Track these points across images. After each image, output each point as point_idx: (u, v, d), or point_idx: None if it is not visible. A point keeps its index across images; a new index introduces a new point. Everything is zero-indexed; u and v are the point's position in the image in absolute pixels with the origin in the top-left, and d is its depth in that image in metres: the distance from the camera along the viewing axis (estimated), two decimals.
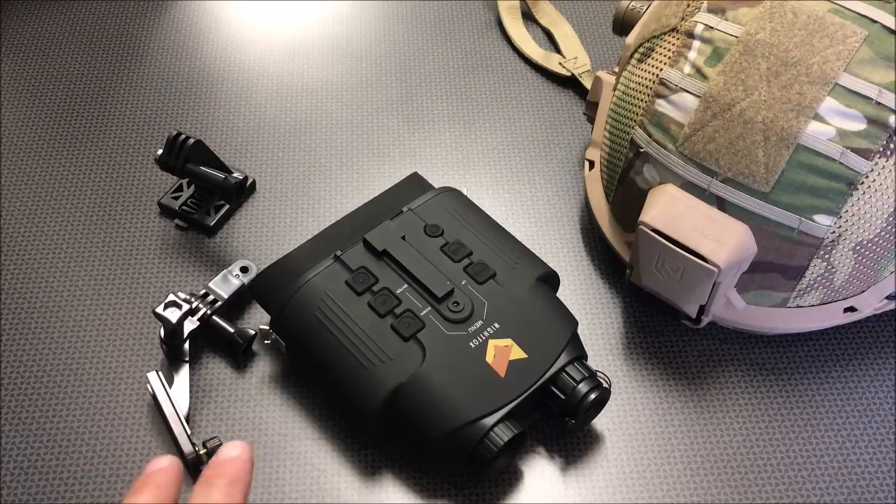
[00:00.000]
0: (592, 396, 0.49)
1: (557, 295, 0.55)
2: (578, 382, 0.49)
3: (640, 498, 0.52)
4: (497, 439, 0.47)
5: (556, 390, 0.49)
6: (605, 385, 0.50)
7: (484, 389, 0.48)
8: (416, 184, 0.59)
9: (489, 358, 0.49)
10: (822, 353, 0.58)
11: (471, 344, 0.50)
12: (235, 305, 0.58)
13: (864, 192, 0.48)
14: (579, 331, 0.58)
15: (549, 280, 0.54)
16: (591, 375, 0.50)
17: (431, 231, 0.54)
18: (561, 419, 0.50)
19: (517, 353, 0.49)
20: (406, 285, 0.52)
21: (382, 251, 0.53)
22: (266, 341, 0.54)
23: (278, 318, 0.52)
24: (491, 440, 0.47)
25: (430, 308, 0.51)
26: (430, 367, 0.49)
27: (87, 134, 0.68)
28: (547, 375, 0.49)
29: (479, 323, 0.51)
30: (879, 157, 0.47)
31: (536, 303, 0.52)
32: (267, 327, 0.53)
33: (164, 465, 0.37)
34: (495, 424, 0.47)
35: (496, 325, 0.50)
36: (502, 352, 0.49)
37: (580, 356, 0.50)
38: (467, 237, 0.54)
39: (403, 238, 0.54)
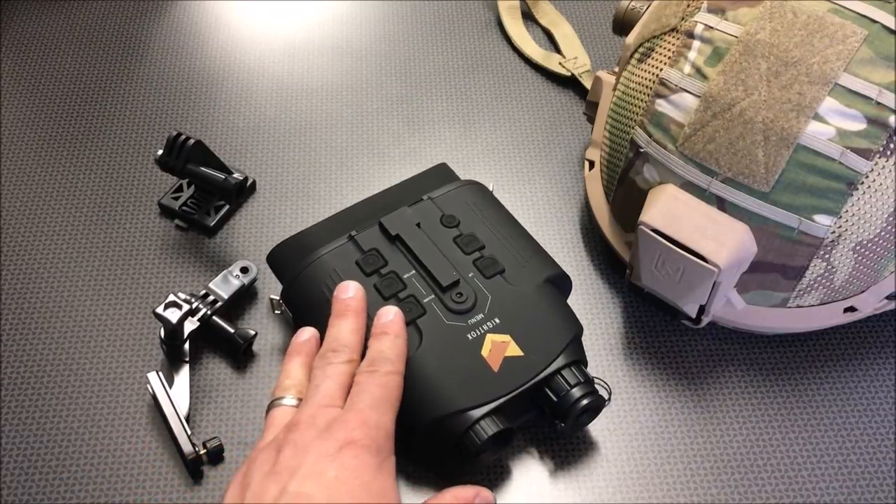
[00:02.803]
0: (585, 402, 0.49)
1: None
2: (572, 386, 0.49)
3: (639, 498, 0.52)
4: (482, 432, 0.47)
5: (549, 392, 0.49)
6: (602, 392, 0.50)
7: (475, 382, 0.48)
8: (442, 174, 0.60)
9: (485, 352, 0.49)
10: (822, 353, 0.58)
11: (468, 336, 0.50)
12: (235, 305, 0.58)
13: (864, 192, 0.48)
14: None
15: (560, 282, 0.54)
16: (587, 381, 0.49)
17: (447, 221, 0.55)
18: (552, 422, 0.50)
19: (514, 350, 0.50)
20: (414, 271, 0.53)
21: (395, 236, 0.54)
22: (277, 312, 0.55)
23: (289, 289, 0.54)
24: (476, 433, 0.47)
25: (433, 296, 0.51)
26: (425, 353, 0.49)
27: (87, 134, 0.68)
28: (541, 376, 0.49)
29: (480, 316, 0.51)
30: (879, 157, 0.47)
31: (541, 303, 0.52)
32: (278, 298, 0.54)
33: (353, 293, 0.50)
34: (482, 417, 0.47)
35: (496, 321, 0.51)
36: (499, 347, 0.49)
37: (579, 361, 0.50)
38: (482, 231, 0.55)
39: (418, 225, 0.55)
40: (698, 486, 0.52)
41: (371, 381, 0.46)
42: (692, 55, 0.50)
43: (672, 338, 0.58)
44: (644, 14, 0.59)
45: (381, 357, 0.47)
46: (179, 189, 0.64)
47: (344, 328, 0.49)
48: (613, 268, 0.61)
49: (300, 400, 0.47)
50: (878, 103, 0.46)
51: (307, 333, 0.51)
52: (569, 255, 0.62)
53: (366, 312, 0.50)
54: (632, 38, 0.58)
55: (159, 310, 0.52)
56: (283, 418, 0.46)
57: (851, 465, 0.53)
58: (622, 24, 0.63)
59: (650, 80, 0.53)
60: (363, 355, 0.48)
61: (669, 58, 0.52)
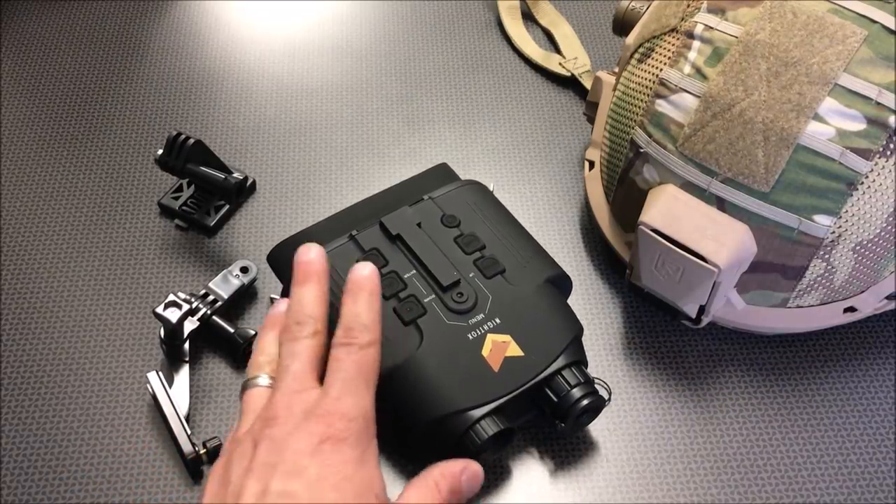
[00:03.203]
0: (585, 402, 0.49)
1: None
2: (573, 387, 0.49)
3: (639, 498, 0.52)
4: (482, 432, 0.47)
5: (549, 392, 0.49)
6: (603, 393, 0.50)
7: (475, 382, 0.48)
8: (442, 174, 0.60)
9: (485, 352, 0.49)
10: (822, 353, 0.58)
11: (469, 336, 0.50)
12: (235, 305, 0.58)
13: (863, 193, 0.48)
14: None
15: (561, 283, 0.54)
16: (588, 381, 0.50)
17: (448, 221, 0.55)
18: (552, 422, 0.50)
19: (514, 350, 0.50)
20: (414, 271, 0.53)
21: (396, 235, 0.54)
22: None
23: (289, 288, 0.53)
24: (476, 433, 0.47)
25: (434, 296, 0.51)
26: (425, 353, 0.49)
27: (87, 134, 0.68)
28: (542, 376, 0.49)
29: (481, 316, 0.51)
30: (879, 157, 0.47)
31: (541, 303, 0.52)
32: (278, 297, 0.54)
33: (315, 256, 0.48)
34: (482, 417, 0.47)
35: (497, 321, 0.51)
36: (499, 347, 0.49)
37: (579, 361, 0.50)
38: (483, 231, 0.55)
39: (419, 225, 0.55)
40: (698, 486, 0.52)
41: (347, 359, 0.44)
42: (692, 55, 0.50)
43: (672, 338, 0.58)
44: (644, 14, 0.59)
45: (357, 323, 0.45)
46: (179, 189, 0.64)
47: (307, 296, 0.47)
48: (613, 268, 0.61)
49: (274, 378, 0.46)
50: (878, 103, 0.46)
51: (284, 305, 0.49)
52: (569, 255, 0.62)
53: (328, 276, 0.48)
54: (632, 38, 0.58)
55: (159, 310, 0.52)
56: (259, 400, 0.45)
57: (851, 465, 0.53)
58: (622, 25, 0.63)
59: (650, 81, 0.53)
60: (332, 322, 0.47)
61: (669, 58, 0.52)
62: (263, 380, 0.46)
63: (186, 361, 0.55)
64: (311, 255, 0.48)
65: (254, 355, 0.48)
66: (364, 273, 0.47)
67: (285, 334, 0.46)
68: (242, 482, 0.41)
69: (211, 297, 0.56)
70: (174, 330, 0.54)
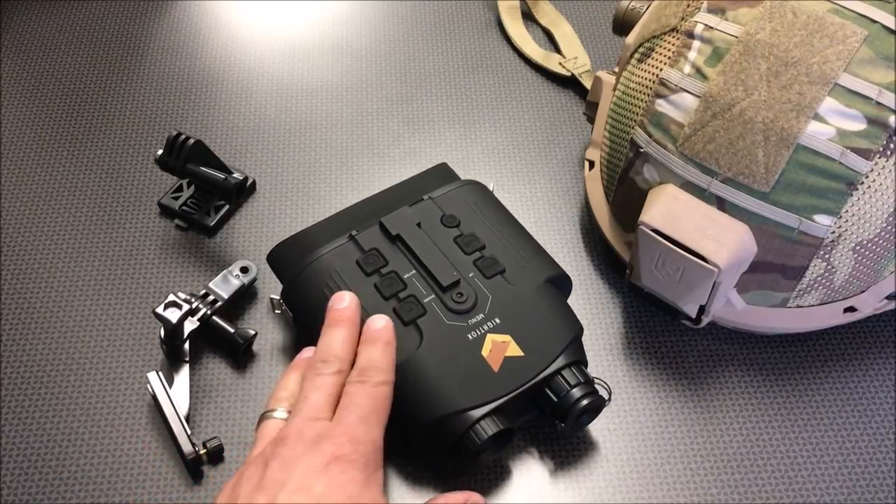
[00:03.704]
0: (585, 402, 0.49)
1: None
2: (573, 387, 0.49)
3: (639, 498, 0.52)
4: (482, 432, 0.47)
5: (549, 392, 0.49)
6: (602, 392, 0.50)
7: (475, 382, 0.48)
8: (442, 174, 0.60)
9: (485, 352, 0.49)
10: (822, 353, 0.58)
11: (468, 336, 0.50)
12: (235, 305, 0.58)
13: (864, 192, 0.48)
14: None
15: (561, 283, 0.54)
16: (588, 381, 0.50)
17: (448, 221, 0.55)
18: (552, 422, 0.50)
19: (514, 350, 0.50)
20: (414, 271, 0.53)
21: (396, 235, 0.54)
22: (277, 311, 0.55)
23: (289, 289, 0.54)
24: (476, 433, 0.47)
25: (433, 296, 0.51)
26: (425, 353, 0.49)
27: (87, 134, 0.68)
28: (542, 376, 0.49)
29: (481, 316, 0.51)
30: (879, 157, 0.47)
31: (541, 303, 0.52)
32: (278, 297, 0.54)
33: (347, 304, 0.50)
34: (482, 417, 0.47)
35: (497, 321, 0.51)
36: (499, 347, 0.49)
37: (579, 361, 0.50)
38: (483, 231, 0.55)
39: (419, 225, 0.55)
40: (698, 486, 0.52)
41: (361, 393, 0.46)
42: (692, 55, 0.50)
43: (672, 338, 0.58)
44: (644, 14, 0.59)
45: (372, 366, 0.47)
46: (179, 189, 0.64)
47: (336, 338, 0.48)
48: (613, 268, 0.61)
49: (290, 412, 0.47)
50: (878, 103, 0.46)
51: (310, 351, 0.51)
52: (569, 255, 0.62)
53: (359, 323, 0.50)
54: (632, 38, 0.58)
55: (159, 310, 0.52)
56: (273, 430, 0.46)
57: (851, 465, 0.53)
58: (622, 24, 0.63)
59: (650, 80, 0.53)
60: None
61: (669, 58, 0.52)
62: (280, 413, 0.47)
63: (186, 361, 0.55)
64: (343, 304, 0.50)
65: (274, 391, 0.49)
66: (380, 325, 0.49)
67: (310, 370, 0.48)
68: (252, 497, 0.42)
69: (211, 297, 0.56)
70: (174, 330, 0.54)
